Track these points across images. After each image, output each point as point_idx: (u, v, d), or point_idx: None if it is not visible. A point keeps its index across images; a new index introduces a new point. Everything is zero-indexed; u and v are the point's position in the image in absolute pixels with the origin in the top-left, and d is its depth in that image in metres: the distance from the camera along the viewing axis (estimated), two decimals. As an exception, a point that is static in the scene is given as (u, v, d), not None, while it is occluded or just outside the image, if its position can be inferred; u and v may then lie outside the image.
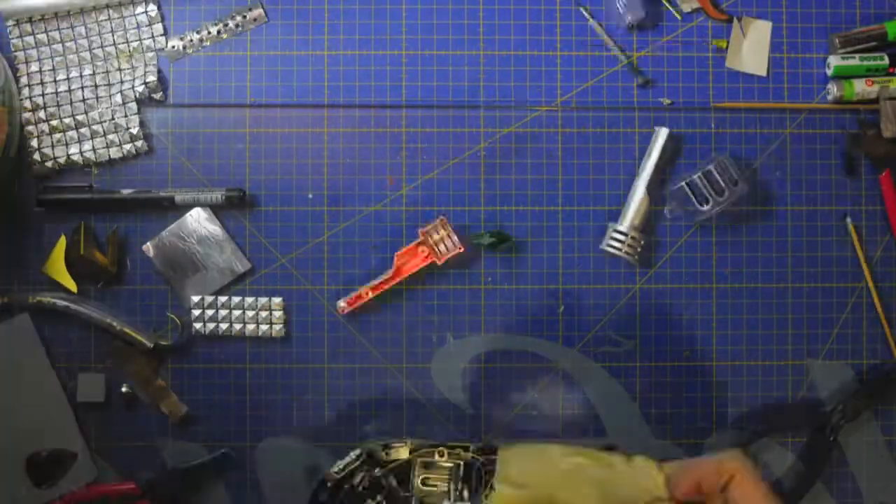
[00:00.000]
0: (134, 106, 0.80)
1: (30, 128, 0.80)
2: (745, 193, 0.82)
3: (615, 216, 0.84)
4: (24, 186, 0.81)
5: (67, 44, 0.81)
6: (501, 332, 0.83)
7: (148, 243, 0.81)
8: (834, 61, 0.84)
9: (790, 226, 0.85)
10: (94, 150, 0.80)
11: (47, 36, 0.81)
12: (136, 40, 0.82)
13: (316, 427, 0.82)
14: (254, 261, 0.82)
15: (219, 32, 0.82)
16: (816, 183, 0.85)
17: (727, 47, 0.85)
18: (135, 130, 0.80)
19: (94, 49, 0.81)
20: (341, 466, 0.76)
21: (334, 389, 0.83)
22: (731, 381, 0.85)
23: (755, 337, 0.85)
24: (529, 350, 0.83)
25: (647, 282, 0.84)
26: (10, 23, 0.81)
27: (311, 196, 0.83)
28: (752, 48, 0.85)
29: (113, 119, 0.80)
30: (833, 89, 0.84)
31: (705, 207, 0.81)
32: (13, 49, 0.81)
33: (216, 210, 0.81)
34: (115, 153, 0.80)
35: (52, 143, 0.80)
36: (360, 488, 0.75)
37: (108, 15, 0.82)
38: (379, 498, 0.76)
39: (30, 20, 0.81)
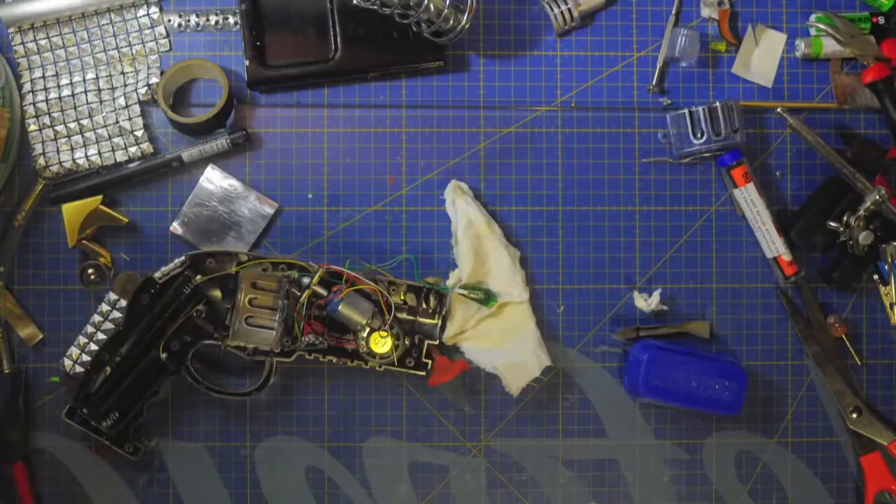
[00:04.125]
0: (137, 108, 0.83)
1: (34, 133, 0.82)
2: (740, 143, 0.84)
3: (615, 216, 0.86)
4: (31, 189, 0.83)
5: (70, 49, 0.83)
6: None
7: (174, 223, 0.83)
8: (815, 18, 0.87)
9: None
10: (99, 153, 0.82)
11: (49, 41, 0.83)
12: (139, 43, 0.84)
13: (316, 427, 0.84)
14: (254, 261, 0.84)
15: (216, 24, 0.84)
16: (816, 183, 0.87)
17: (725, 50, 0.87)
18: (139, 133, 0.83)
19: (96, 53, 0.84)
20: (165, 272, 0.78)
21: (334, 389, 0.85)
22: (731, 381, 0.87)
23: (755, 337, 0.87)
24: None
25: (647, 282, 0.86)
26: (13, 30, 0.83)
27: (311, 196, 0.85)
28: (762, 58, 0.87)
29: (117, 122, 0.82)
30: (801, 46, 0.86)
31: (696, 141, 0.83)
32: (16, 55, 0.83)
33: (225, 165, 0.84)
34: (120, 156, 0.83)
35: (58, 148, 0.82)
36: (183, 295, 0.78)
37: (110, 19, 0.84)
38: (200, 307, 0.78)
39: (32, 26, 0.83)
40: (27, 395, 0.82)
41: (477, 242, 0.83)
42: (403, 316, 0.81)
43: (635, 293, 0.85)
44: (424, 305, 0.81)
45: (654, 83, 0.86)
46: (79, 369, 0.82)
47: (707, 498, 0.87)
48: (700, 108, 0.83)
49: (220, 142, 0.83)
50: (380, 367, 0.80)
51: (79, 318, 0.83)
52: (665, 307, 0.85)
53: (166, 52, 0.85)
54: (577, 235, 0.86)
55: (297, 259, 0.80)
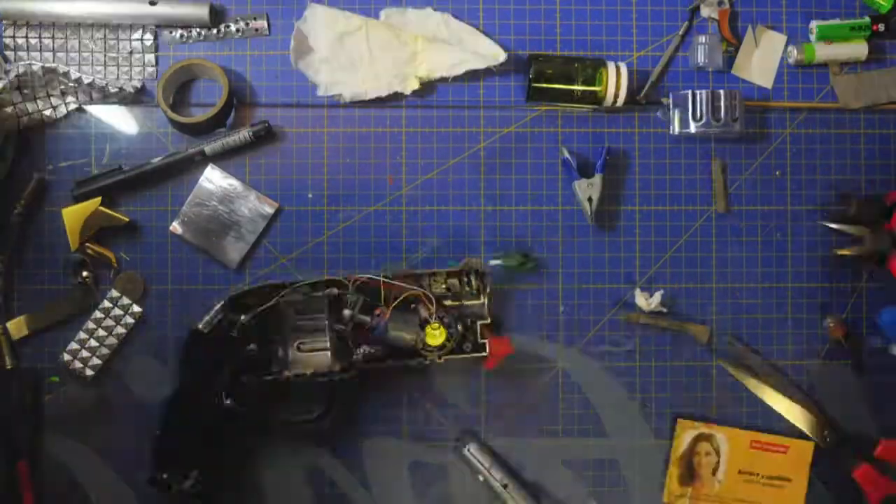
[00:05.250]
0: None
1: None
2: (738, 132, 0.84)
3: (615, 216, 0.86)
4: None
5: (58, 54, 0.84)
6: (502, 331, 0.86)
7: (174, 223, 0.84)
8: (816, 24, 0.87)
9: (790, 225, 0.87)
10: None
11: (40, 42, 0.84)
12: (127, 66, 0.85)
13: (317, 427, 0.85)
14: (254, 261, 0.85)
15: (218, 32, 0.85)
16: (816, 183, 0.88)
17: (725, 50, 0.87)
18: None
19: (82, 65, 0.85)
20: (208, 320, 0.78)
21: (334, 389, 0.85)
22: (731, 381, 0.87)
23: (755, 337, 0.87)
24: (529, 350, 0.86)
25: (647, 282, 0.87)
26: (7, 22, 0.84)
27: (311, 196, 0.85)
28: (762, 58, 0.88)
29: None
30: (794, 52, 0.87)
31: (694, 123, 0.84)
32: (5, 48, 0.84)
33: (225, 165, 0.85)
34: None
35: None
36: (233, 336, 0.78)
37: (104, 34, 0.84)
38: (252, 345, 0.78)
39: (27, 24, 0.84)
40: (35, 393, 0.83)
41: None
42: (449, 303, 0.81)
43: (637, 290, 0.86)
44: (467, 288, 0.81)
45: (642, 95, 0.87)
46: (78, 365, 0.82)
47: (707, 498, 0.87)
48: (703, 91, 0.84)
49: (243, 134, 0.83)
50: (440, 359, 0.79)
51: (79, 317, 0.83)
52: (664, 309, 0.86)
53: (151, 78, 0.85)
54: (577, 235, 0.87)
55: (332, 276, 0.80)
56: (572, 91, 0.84)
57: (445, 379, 0.85)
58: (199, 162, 0.84)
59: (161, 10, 0.83)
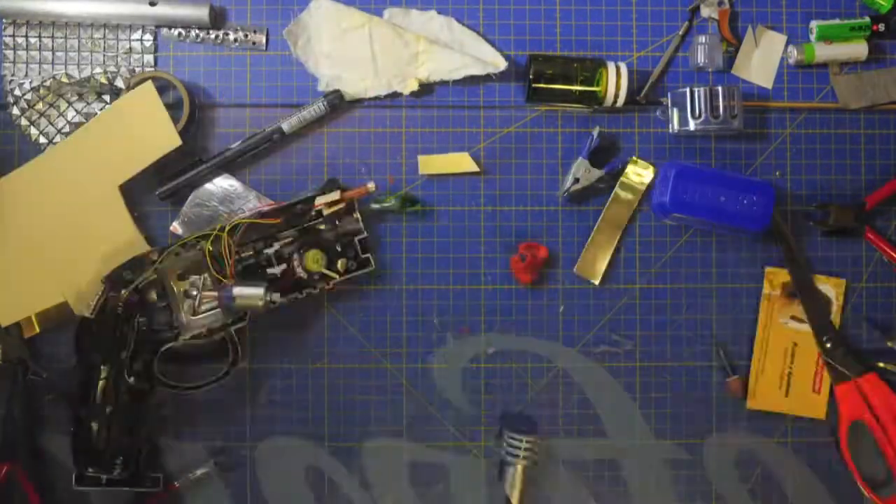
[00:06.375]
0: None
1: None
2: (738, 129, 0.84)
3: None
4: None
5: (58, 53, 0.85)
6: (501, 332, 0.86)
7: (174, 223, 0.84)
8: (816, 24, 0.88)
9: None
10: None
11: (40, 41, 0.85)
12: (126, 66, 0.85)
13: (316, 427, 0.85)
14: (254, 261, 0.85)
15: (216, 38, 0.85)
16: (816, 183, 0.88)
17: (725, 50, 0.87)
18: None
19: (82, 65, 0.85)
20: (91, 305, 0.78)
21: (334, 389, 0.85)
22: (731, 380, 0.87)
23: (755, 337, 0.88)
24: (529, 350, 0.86)
25: (647, 282, 0.87)
26: (7, 21, 0.84)
27: (311, 196, 0.86)
28: (762, 58, 0.88)
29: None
30: (794, 53, 0.87)
31: (693, 121, 0.84)
32: (5, 47, 0.84)
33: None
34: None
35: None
36: (118, 313, 0.78)
37: (104, 34, 0.85)
38: (140, 318, 0.78)
39: (27, 23, 0.84)
40: (27, 392, 0.83)
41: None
42: (324, 227, 0.81)
43: None
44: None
45: (642, 95, 0.87)
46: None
47: (707, 498, 0.87)
48: (701, 88, 0.84)
49: (318, 105, 0.84)
50: (329, 285, 0.81)
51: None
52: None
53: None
54: (577, 235, 0.87)
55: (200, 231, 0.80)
56: (572, 91, 0.85)
57: (446, 379, 0.86)
58: (277, 141, 0.84)
59: (161, 10, 0.83)
